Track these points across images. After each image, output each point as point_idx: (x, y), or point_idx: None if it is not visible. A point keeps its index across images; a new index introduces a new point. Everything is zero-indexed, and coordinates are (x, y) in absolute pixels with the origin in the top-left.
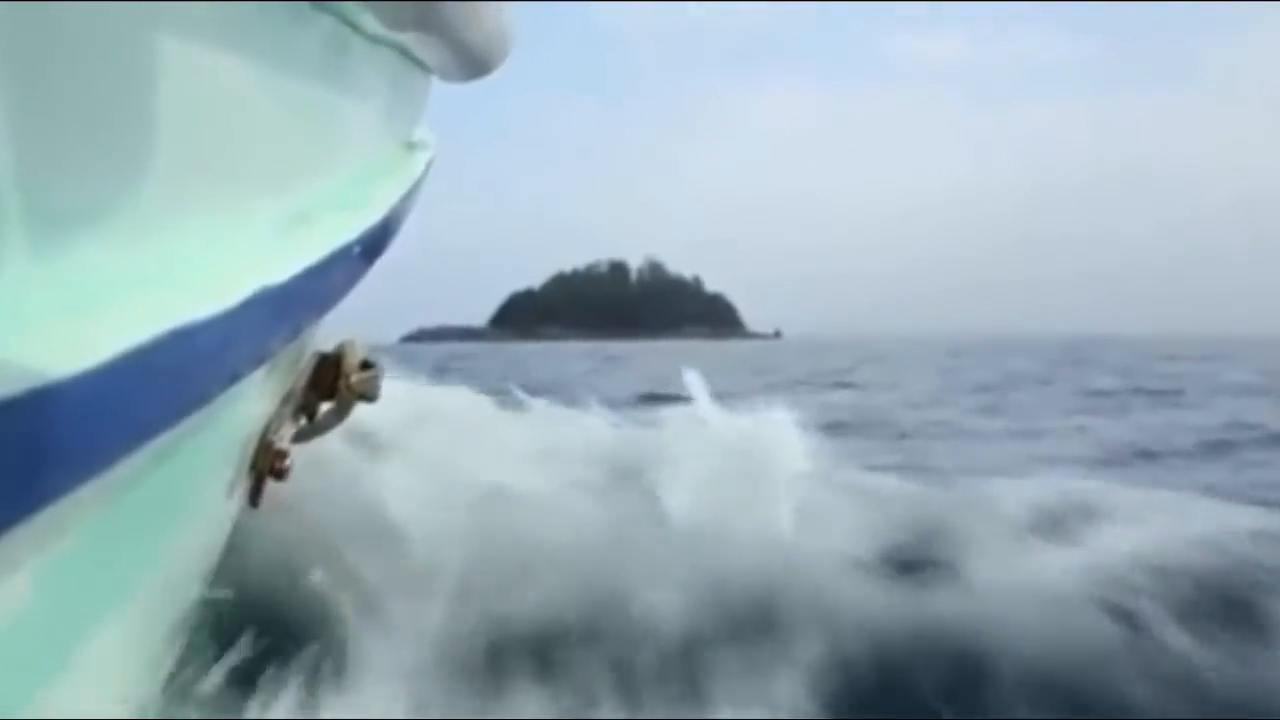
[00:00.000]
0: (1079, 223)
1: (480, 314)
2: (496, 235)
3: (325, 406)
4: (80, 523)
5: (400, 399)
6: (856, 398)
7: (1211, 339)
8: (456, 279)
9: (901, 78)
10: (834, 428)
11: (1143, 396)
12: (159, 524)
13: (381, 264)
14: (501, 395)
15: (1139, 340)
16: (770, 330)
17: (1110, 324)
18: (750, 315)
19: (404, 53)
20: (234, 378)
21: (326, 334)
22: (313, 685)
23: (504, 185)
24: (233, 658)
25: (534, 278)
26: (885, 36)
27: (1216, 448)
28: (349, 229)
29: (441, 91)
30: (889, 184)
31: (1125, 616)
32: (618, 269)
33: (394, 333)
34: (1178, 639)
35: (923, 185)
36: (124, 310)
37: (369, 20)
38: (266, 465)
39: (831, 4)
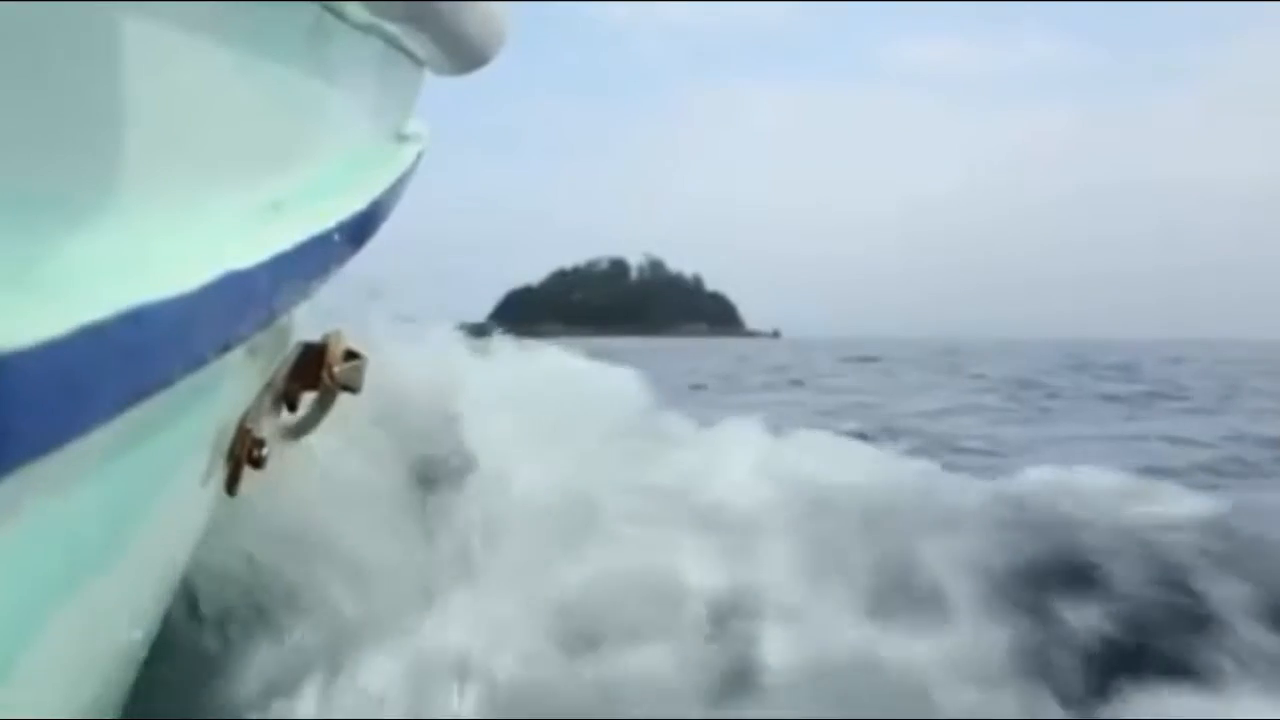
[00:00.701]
0: (1078, 227)
1: (480, 310)
2: (497, 231)
3: (308, 396)
4: (34, 505)
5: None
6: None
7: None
8: (456, 274)
9: (901, 80)
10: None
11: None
12: (124, 510)
13: (377, 261)
14: None
15: (1138, 344)
16: (769, 329)
17: (1109, 329)
18: (749, 314)
19: (393, 44)
20: (199, 361)
21: (327, 326)
22: None
23: (504, 181)
24: None
25: (534, 274)
26: (885, 39)
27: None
28: (327, 217)
29: (439, 89)
30: (887, 186)
31: None
32: (617, 266)
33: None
34: None
35: (922, 189)
36: (84, 290)
37: (355, 9)
38: (245, 453)
39: (829, 5)
